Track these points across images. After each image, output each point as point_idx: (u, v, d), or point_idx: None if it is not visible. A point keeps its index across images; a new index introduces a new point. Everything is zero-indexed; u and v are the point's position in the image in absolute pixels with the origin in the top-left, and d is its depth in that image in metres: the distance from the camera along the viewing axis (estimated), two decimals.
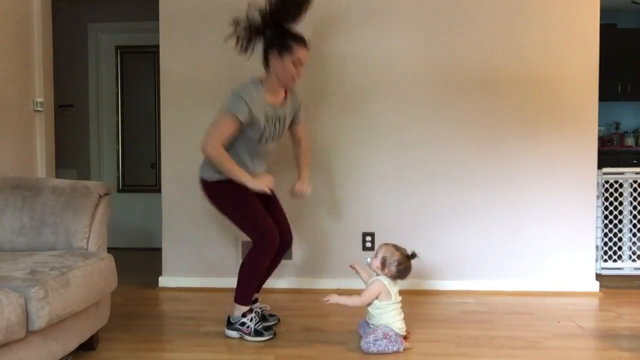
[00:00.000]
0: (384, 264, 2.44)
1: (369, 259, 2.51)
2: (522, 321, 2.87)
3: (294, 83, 2.64)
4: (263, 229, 2.58)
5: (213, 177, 2.62)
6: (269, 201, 2.73)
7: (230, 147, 2.58)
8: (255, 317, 2.60)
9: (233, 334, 2.61)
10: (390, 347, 2.38)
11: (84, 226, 2.40)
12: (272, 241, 2.59)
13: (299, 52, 2.54)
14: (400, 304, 2.48)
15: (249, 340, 2.56)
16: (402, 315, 2.47)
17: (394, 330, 2.42)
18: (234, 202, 2.63)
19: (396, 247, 2.49)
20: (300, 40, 2.55)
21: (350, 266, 2.64)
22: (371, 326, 2.47)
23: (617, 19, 5.79)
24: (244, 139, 2.60)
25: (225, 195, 2.64)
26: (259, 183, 2.56)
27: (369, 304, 2.46)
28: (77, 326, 2.15)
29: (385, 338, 2.38)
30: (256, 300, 2.78)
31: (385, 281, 2.45)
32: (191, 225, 3.55)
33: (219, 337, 2.61)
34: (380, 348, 2.38)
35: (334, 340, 2.56)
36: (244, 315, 2.59)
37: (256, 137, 2.60)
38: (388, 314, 2.43)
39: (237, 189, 2.58)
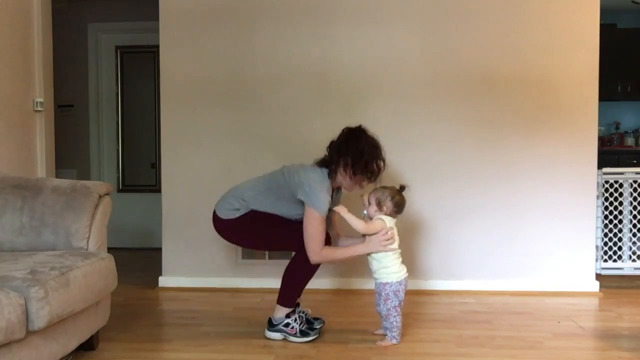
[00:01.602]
0: (379, 204, 2.50)
1: (365, 211, 2.55)
2: (522, 321, 2.87)
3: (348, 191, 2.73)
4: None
5: (235, 213, 2.61)
6: None
7: (271, 200, 2.59)
8: (298, 318, 2.59)
9: (276, 335, 2.59)
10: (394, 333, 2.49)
11: (84, 226, 2.40)
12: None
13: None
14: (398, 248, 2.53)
15: (294, 341, 2.55)
16: (400, 259, 2.52)
17: (397, 283, 2.47)
18: (267, 226, 2.61)
19: (384, 186, 2.56)
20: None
21: (333, 210, 2.59)
22: (376, 281, 2.53)
23: (617, 19, 5.79)
24: (285, 206, 2.60)
25: (254, 224, 2.62)
26: (376, 242, 2.48)
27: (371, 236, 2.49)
28: (77, 326, 2.15)
29: (397, 302, 2.47)
30: (298, 305, 2.74)
31: (387, 220, 2.49)
32: (191, 225, 3.54)
33: (219, 337, 2.61)
34: (391, 319, 2.48)
35: (334, 340, 2.56)
36: (287, 316, 2.58)
37: (298, 214, 2.58)
38: (388, 258, 2.48)
39: (258, 214, 2.59)
